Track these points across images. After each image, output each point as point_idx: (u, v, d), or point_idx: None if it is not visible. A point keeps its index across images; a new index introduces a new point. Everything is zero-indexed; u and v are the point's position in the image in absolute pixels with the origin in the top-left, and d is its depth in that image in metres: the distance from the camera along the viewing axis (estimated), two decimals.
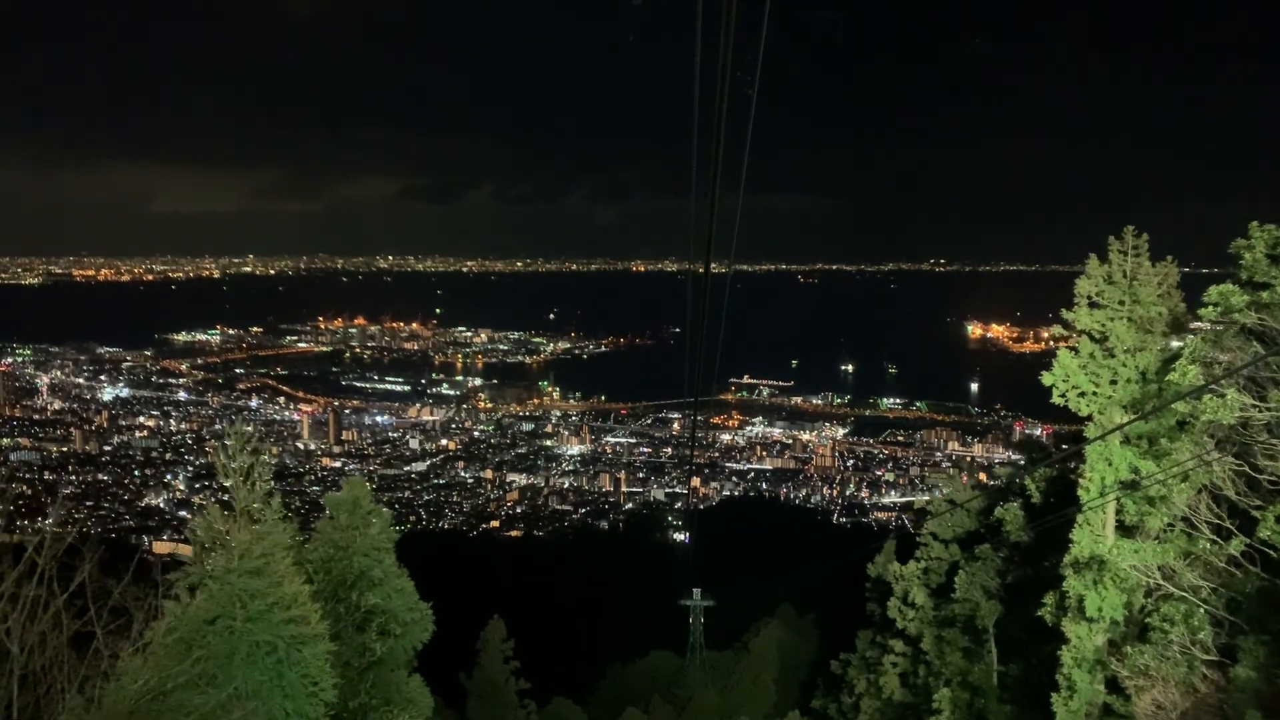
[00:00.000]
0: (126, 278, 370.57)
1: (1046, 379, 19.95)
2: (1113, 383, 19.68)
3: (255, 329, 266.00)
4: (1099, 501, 18.61)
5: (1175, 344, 19.23)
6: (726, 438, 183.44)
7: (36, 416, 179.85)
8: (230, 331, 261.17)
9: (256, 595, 12.62)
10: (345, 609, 15.47)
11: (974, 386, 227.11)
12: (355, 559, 15.57)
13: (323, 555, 15.61)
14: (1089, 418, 19.82)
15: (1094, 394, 19.71)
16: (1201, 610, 16.07)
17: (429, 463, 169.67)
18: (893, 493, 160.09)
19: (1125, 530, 19.56)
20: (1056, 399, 19.99)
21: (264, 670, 12.52)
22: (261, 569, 12.76)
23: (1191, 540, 18.22)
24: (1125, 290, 19.65)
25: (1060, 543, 23.42)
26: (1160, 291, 19.66)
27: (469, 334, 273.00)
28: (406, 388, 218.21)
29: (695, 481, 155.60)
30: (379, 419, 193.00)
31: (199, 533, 12.94)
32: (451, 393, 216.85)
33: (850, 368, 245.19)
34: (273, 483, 13.63)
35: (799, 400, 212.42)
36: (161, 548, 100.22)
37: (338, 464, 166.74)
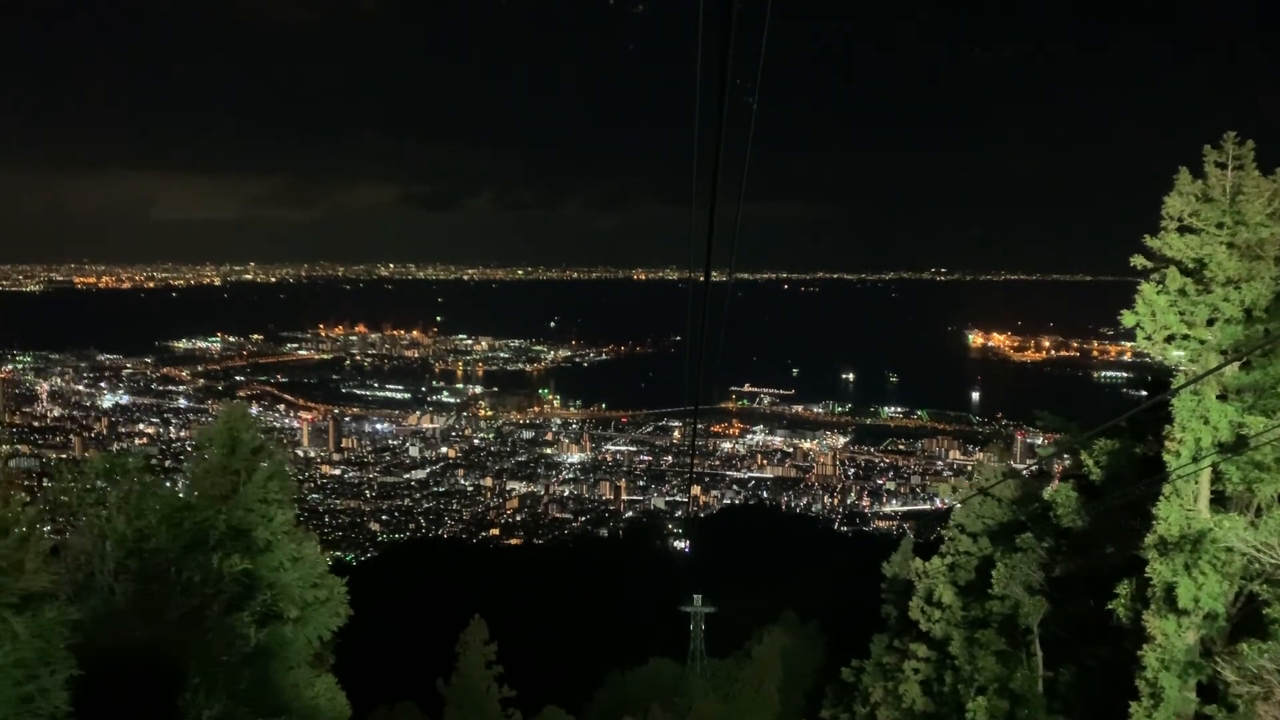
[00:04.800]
0: (127, 285, 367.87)
1: (1128, 319, 16.45)
2: (1210, 322, 16.17)
3: (256, 336, 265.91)
4: (1193, 468, 15.18)
5: None
6: (727, 446, 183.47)
7: (36, 423, 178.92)
8: (231, 339, 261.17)
9: None
10: (202, 579, 11.09)
11: (975, 395, 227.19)
12: (227, 511, 11.37)
13: (171, 503, 11.32)
14: (1177, 368, 16.39)
15: (1185, 337, 16.23)
16: None
17: (429, 470, 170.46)
18: (894, 501, 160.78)
19: (1222, 502, 16.13)
20: (1141, 342, 16.49)
21: None
22: None
23: None
24: (1226, 209, 16.01)
25: (1122, 528, 20.13)
26: (1271, 209, 16.01)
27: (469, 341, 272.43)
28: (407, 395, 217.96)
29: (696, 489, 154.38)
30: (379, 426, 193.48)
31: None
32: (452, 400, 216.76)
33: (851, 376, 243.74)
34: None
35: (800, 408, 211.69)
36: None
37: (337, 471, 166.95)
